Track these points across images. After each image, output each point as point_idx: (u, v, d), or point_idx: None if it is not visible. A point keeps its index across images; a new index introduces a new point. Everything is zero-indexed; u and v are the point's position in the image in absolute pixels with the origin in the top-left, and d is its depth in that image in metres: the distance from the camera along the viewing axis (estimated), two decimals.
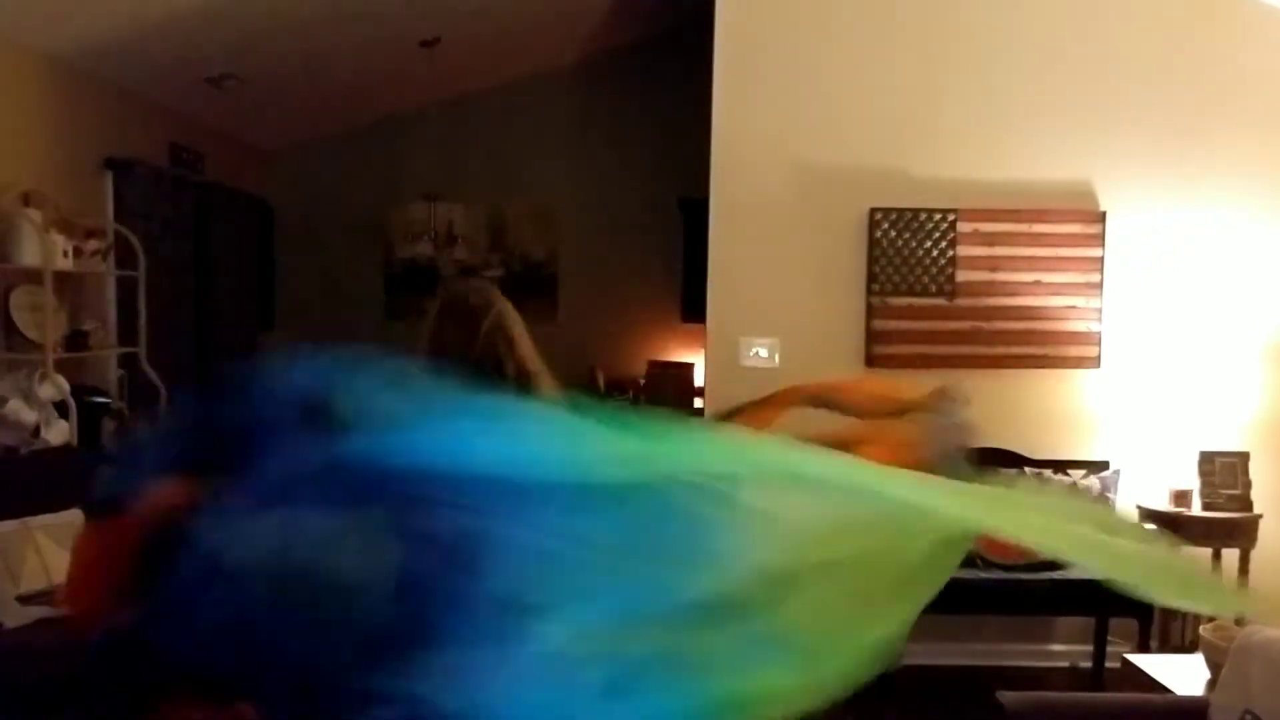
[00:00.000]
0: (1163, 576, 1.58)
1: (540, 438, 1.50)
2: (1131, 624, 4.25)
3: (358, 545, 1.37)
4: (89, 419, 4.58)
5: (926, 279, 4.64)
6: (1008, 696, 2.74)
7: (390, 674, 1.33)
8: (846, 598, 1.54)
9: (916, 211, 4.63)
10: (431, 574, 1.36)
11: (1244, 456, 4.46)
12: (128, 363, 5.25)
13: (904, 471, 1.61)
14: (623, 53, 7.56)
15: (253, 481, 1.40)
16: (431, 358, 2.32)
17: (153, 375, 5.22)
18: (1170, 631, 4.37)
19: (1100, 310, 4.64)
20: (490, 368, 2.26)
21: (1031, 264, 4.63)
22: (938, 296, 4.65)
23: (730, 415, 2.14)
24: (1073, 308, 4.63)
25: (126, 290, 5.21)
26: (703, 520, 1.47)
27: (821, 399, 2.08)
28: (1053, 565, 4.30)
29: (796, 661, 1.48)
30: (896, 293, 4.65)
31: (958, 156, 4.67)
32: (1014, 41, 4.67)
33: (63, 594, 1.76)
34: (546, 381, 2.34)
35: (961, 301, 4.64)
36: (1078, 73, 4.65)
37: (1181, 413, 4.50)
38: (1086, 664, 4.59)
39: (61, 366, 4.40)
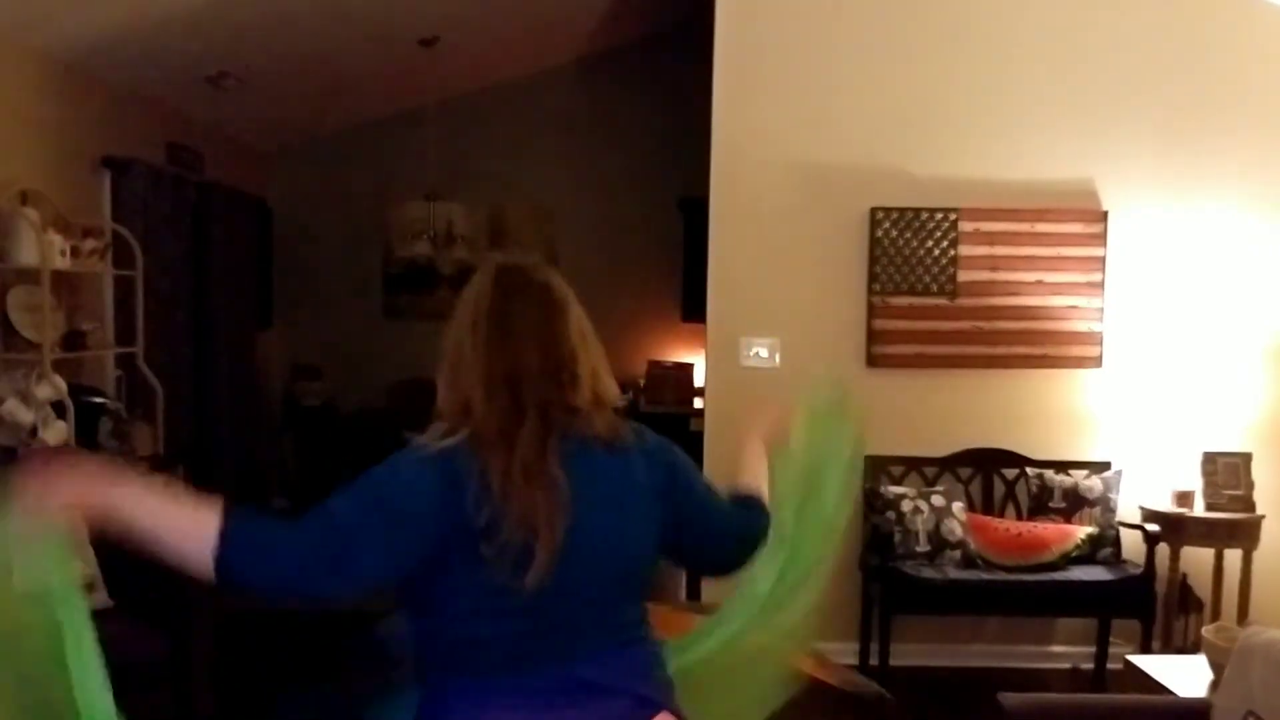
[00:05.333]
0: None
1: None
2: (1134, 625, 4.24)
3: None
4: (86, 419, 4.55)
5: (928, 278, 4.62)
6: (1009, 698, 2.72)
7: None
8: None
9: (918, 211, 4.61)
10: None
11: (1247, 457, 4.45)
12: (125, 362, 5.23)
13: None
14: (622, 52, 7.54)
15: None
16: (500, 337, 1.71)
17: (150, 375, 5.20)
18: (1173, 633, 4.36)
19: (1102, 310, 4.62)
20: (562, 373, 1.76)
21: (1033, 263, 4.61)
22: (939, 296, 4.63)
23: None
24: (1074, 307, 4.61)
25: (124, 290, 5.19)
26: None
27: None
28: (1054, 566, 4.30)
29: None
30: (898, 292, 4.63)
31: (959, 155, 4.65)
32: (1016, 40, 4.65)
33: None
34: (608, 402, 1.84)
35: (963, 301, 4.62)
36: (1080, 72, 4.63)
37: (1184, 413, 4.48)
38: (1088, 665, 4.58)
39: (59, 366, 4.38)
